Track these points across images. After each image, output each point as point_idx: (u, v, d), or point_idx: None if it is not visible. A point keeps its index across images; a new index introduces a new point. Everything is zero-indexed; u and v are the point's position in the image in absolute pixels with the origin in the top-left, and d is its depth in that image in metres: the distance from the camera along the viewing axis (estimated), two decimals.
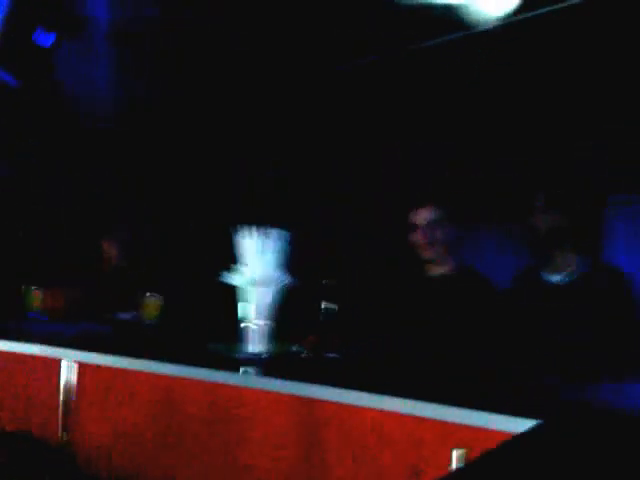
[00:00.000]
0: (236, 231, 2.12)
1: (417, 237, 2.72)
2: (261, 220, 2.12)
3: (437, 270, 2.72)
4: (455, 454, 1.45)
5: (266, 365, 2.05)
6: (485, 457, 1.20)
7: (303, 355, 2.20)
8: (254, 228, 2.10)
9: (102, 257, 3.30)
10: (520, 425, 1.44)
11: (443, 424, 1.61)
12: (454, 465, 1.43)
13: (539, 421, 1.41)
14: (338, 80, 4.17)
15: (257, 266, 2.05)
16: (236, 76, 4.09)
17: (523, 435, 1.36)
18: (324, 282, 2.39)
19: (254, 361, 2.05)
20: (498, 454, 1.22)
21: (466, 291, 2.62)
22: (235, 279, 2.07)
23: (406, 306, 2.71)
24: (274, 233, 2.10)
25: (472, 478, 1.09)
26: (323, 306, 2.30)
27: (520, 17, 3.59)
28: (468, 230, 3.10)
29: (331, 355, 2.20)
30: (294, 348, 2.25)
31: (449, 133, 4.20)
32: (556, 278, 2.60)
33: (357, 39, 3.85)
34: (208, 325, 2.65)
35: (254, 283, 2.03)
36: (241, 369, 2.03)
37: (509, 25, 3.61)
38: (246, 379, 1.97)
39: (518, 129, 4.12)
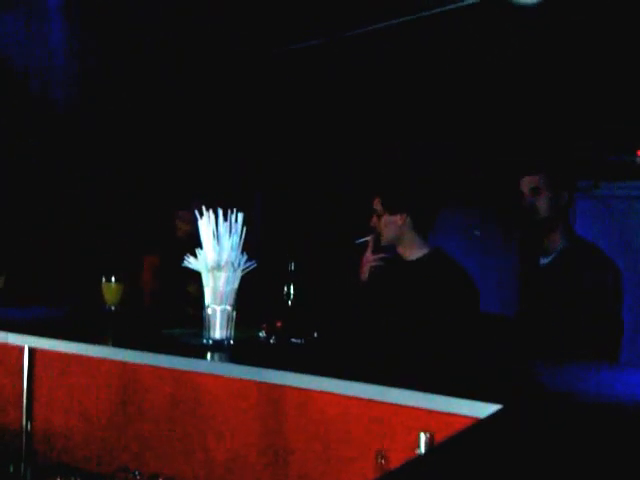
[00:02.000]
0: (197, 214, 2.07)
1: (374, 222, 2.71)
2: (221, 203, 2.07)
3: (407, 255, 2.69)
4: (421, 439, 1.43)
5: (228, 351, 2.02)
6: (449, 442, 1.19)
7: (268, 341, 2.17)
8: (214, 211, 2.04)
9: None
10: (484, 410, 1.44)
11: (409, 409, 1.60)
12: (420, 450, 1.42)
13: (501, 406, 1.40)
14: (292, 61, 4.14)
15: (219, 250, 1.99)
16: (191, 52, 4.01)
17: (486, 420, 1.36)
18: (290, 266, 2.35)
19: (216, 347, 2.01)
20: (461, 439, 1.21)
21: (437, 276, 2.59)
22: (197, 263, 2.02)
23: (376, 291, 2.68)
24: (236, 215, 2.05)
25: (436, 462, 1.09)
26: (288, 291, 2.27)
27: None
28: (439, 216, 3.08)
29: (297, 341, 2.17)
30: (259, 334, 2.21)
31: (417, 117, 4.20)
32: (544, 260, 2.62)
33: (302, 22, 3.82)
34: (170, 310, 2.60)
35: (215, 267, 1.98)
36: (206, 356, 1.99)
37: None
38: (207, 365, 1.93)
39: (496, 116, 4.14)
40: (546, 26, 3.68)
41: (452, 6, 3.78)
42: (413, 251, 2.67)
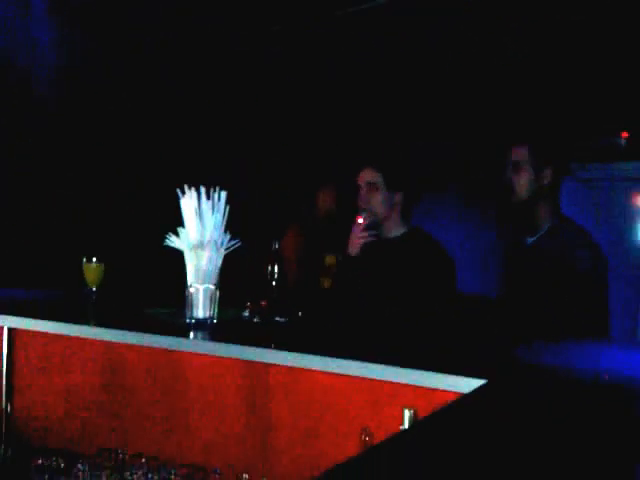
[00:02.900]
0: (180, 192, 2.04)
1: (358, 198, 2.68)
2: (205, 181, 2.04)
3: (387, 233, 2.68)
4: (406, 415, 1.43)
5: (213, 330, 2.00)
6: (433, 417, 1.19)
7: (252, 320, 2.15)
8: (198, 189, 2.02)
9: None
10: (468, 385, 1.44)
11: (393, 385, 1.60)
12: (404, 426, 1.41)
13: (485, 381, 1.40)
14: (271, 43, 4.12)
15: (201, 228, 1.97)
16: (177, 41, 3.98)
17: (469, 395, 1.36)
18: (274, 245, 2.34)
19: (199, 326, 1.99)
20: (445, 414, 1.21)
21: (416, 254, 2.59)
22: (179, 242, 2.00)
23: (360, 267, 2.67)
24: (219, 194, 2.02)
25: (418, 437, 1.09)
26: (272, 270, 2.26)
27: None
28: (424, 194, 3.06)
29: (281, 319, 2.16)
30: (243, 313, 2.20)
31: (402, 90, 4.18)
32: (531, 240, 2.59)
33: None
34: (152, 291, 2.58)
35: (198, 246, 1.95)
36: (189, 334, 1.98)
37: None
38: (190, 344, 1.92)
39: (481, 89, 4.13)
40: (536, 14, 3.67)
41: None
42: (397, 229, 2.67)
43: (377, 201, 2.63)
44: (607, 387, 1.43)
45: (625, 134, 4.52)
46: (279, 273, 2.24)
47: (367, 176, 2.66)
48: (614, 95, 3.97)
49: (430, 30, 3.93)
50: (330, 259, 2.76)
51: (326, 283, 2.73)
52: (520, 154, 2.52)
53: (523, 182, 2.51)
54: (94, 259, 2.41)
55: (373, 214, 2.64)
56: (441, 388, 1.52)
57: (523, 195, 2.52)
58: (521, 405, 1.27)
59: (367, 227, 2.63)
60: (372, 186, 2.63)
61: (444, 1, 3.72)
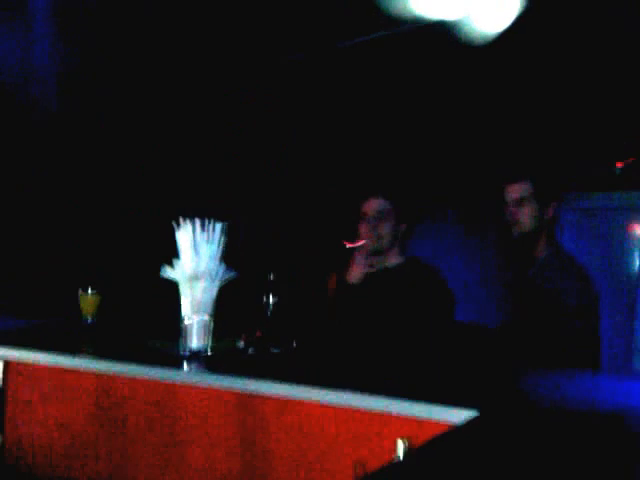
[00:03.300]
0: (175, 224, 2.06)
1: (363, 228, 2.70)
2: (201, 212, 2.06)
3: (385, 262, 2.70)
4: (399, 446, 1.43)
5: (208, 362, 2.00)
6: (424, 447, 1.20)
7: (247, 351, 2.15)
8: (193, 220, 2.04)
9: None
10: (461, 416, 1.44)
11: (386, 416, 1.60)
12: (398, 457, 1.41)
13: (478, 412, 1.41)
14: (269, 72, 4.16)
15: (196, 259, 1.99)
16: (178, 61, 4.02)
17: (461, 426, 1.36)
18: (270, 276, 2.34)
19: (195, 358, 1.99)
20: (436, 445, 1.22)
21: (414, 283, 2.61)
22: (174, 273, 2.01)
23: (353, 299, 2.68)
24: (214, 225, 2.04)
25: (411, 467, 1.09)
26: (267, 301, 2.26)
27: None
28: (423, 224, 3.10)
29: (275, 350, 2.16)
30: (238, 344, 2.20)
31: (403, 124, 4.22)
32: (532, 271, 2.61)
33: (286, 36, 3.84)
34: (148, 321, 2.58)
35: (193, 277, 1.97)
36: (184, 366, 1.98)
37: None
38: (186, 376, 1.92)
39: (478, 124, 4.17)
40: (533, 37, 3.72)
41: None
42: (395, 258, 2.69)
43: (387, 230, 2.66)
44: (599, 418, 1.43)
45: (620, 164, 4.56)
46: (274, 304, 2.25)
47: (377, 206, 2.67)
48: (610, 125, 4.01)
49: (426, 67, 3.99)
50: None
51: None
52: (524, 189, 2.57)
53: (528, 216, 2.55)
54: (90, 290, 2.42)
55: (380, 243, 2.66)
56: (435, 419, 1.51)
57: (527, 229, 2.56)
58: (512, 437, 1.27)
59: (369, 256, 2.65)
60: (382, 215, 2.66)
61: (442, 42, 3.77)
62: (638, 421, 1.41)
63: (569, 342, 2.39)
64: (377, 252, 2.67)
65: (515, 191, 2.58)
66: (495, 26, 3.61)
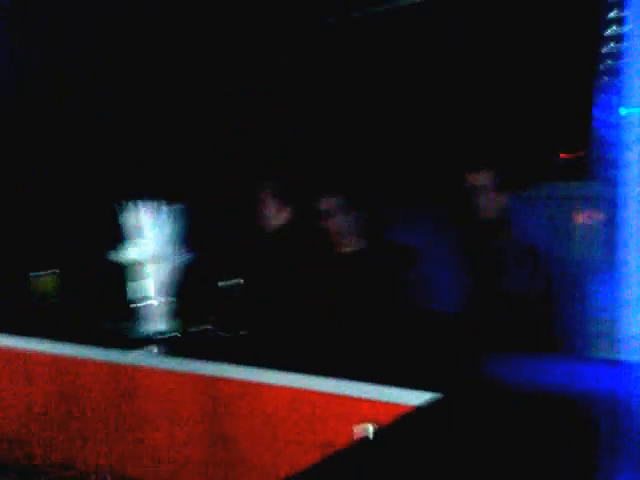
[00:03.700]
0: (130, 207, 2.02)
1: (328, 224, 2.67)
2: (158, 195, 2.03)
3: (346, 249, 2.69)
4: (361, 428, 1.46)
5: (169, 344, 1.98)
6: (386, 429, 1.21)
7: (211, 333, 2.14)
8: (155, 203, 2.01)
9: None
10: (421, 398, 1.47)
11: (349, 399, 1.62)
12: (368, 437, 1.44)
13: (438, 395, 1.43)
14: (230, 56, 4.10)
15: (153, 242, 1.96)
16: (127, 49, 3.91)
17: (421, 408, 1.38)
18: (232, 260, 2.32)
19: (156, 340, 1.97)
20: (398, 427, 1.24)
21: (370, 267, 2.62)
22: (137, 255, 1.98)
23: (315, 283, 2.68)
24: (171, 208, 2.02)
25: (372, 449, 1.11)
26: (228, 283, 2.24)
27: None
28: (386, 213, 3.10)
29: (236, 333, 2.15)
30: (200, 326, 2.18)
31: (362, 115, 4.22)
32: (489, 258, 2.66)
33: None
34: (105, 304, 2.53)
35: (152, 259, 1.94)
36: (144, 348, 1.95)
37: None
38: (147, 359, 1.89)
39: (440, 112, 4.20)
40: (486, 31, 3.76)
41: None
42: (354, 245, 2.68)
43: (342, 225, 2.63)
44: (554, 400, 1.48)
45: (563, 155, 4.69)
46: (240, 287, 2.23)
47: (328, 204, 2.65)
48: (554, 117, 4.11)
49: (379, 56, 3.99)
50: None
51: None
52: (487, 177, 2.63)
53: (491, 204, 2.61)
54: (44, 272, 2.36)
55: (338, 237, 2.64)
56: (396, 402, 1.54)
57: (490, 215, 2.62)
58: (471, 417, 1.30)
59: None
60: (333, 212, 2.63)
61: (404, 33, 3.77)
62: (591, 403, 1.47)
63: (530, 327, 2.46)
64: (345, 244, 2.66)
65: (479, 179, 2.65)
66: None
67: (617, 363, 1.93)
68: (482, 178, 2.64)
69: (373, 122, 4.23)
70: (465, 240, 2.97)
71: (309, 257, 2.71)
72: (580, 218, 4.34)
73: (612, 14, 2.14)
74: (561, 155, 4.86)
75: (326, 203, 2.64)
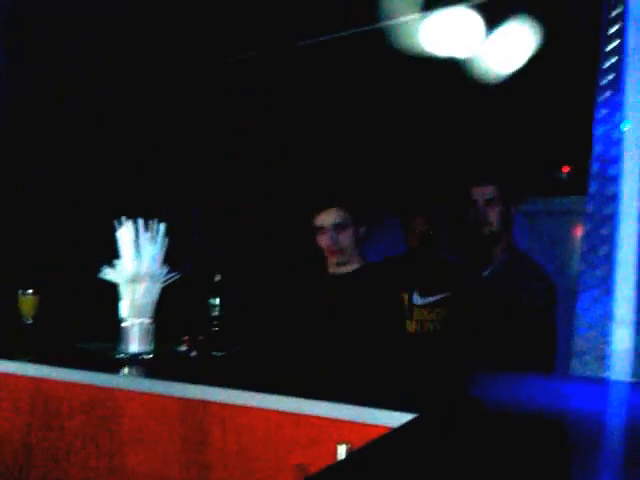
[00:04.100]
0: (116, 223, 2.01)
1: (324, 241, 2.61)
2: (141, 213, 2.02)
3: (341, 269, 2.65)
4: (341, 450, 1.43)
5: (148, 366, 1.95)
6: (362, 450, 1.19)
7: (189, 355, 2.11)
8: (135, 220, 1.99)
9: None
10: (401, 419, 1.43)
11: (328, 421, 1.58)
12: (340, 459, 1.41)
13: (416, 415, 1.41)
14: (221, 72, 4.12)
15: (138, 260, 1.94)
16: (115, 67, 3.94)
17: (399, 429, 1.36)
18: (215, 278, 2.31)
19: (135, 362, 1.94)
20: (375, 447, 1.21)
21: (365, 290, 2.57)
22: (114, 274, 1.96)
23: (306, 305, 2.64)
24: (157, 225, 2.00)
25: (349, 469, 1.08)
26: (212, 303, 2.23)
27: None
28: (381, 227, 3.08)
29: (219, 354, 2.12)
30: (180, 348, 2.15)
31: (354, 131, 4.22)
32: (486, 272, 2.64)
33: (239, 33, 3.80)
34: (87, 324, 2.52)
35: (134, 279, 1.92)
36: (123, 370, 1.93)
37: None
38: (124, 380, 1.87)
39: (432, 127, 4.19)
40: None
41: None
42: (355, 263, 2.63)
43: (348, 241, 2.58)
44: (538, 420, 1.44)
45: (566, 168, 4.66)
46: (219, 306, 2.21)
47: (335, 217, 2.56)
48: (556, 131, 4.09)
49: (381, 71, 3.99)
50: None
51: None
52: (493, 190, 2.63)
53: (496, 216, 2.61)
54: (29, 291, 2.35)
55: (344, 255, 2.58)
56: (375, 423, 1.51)
57: (495, 229, 2.62)
58: (450, 438, 1.27)
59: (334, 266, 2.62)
60: (341, 226, 2.54)
61: (398, 46, 3.78)
62: (578, 424, 1.43)
63: (525, 342, 2.42)
64: (342, 263, 2.61)
65: (486, 192, 2.64)
66: (505, 65, 3.61)
67: (604, 381, 1.88)
68: (490, 190, 2.64)
69: (375, 134, 4.24)
70: (466, 253, 2.95)
71: (301, 277, 2.68)
72: (579, 233, 4.30)
73: (613, 29, 2.13)
74: (563, 169, 4.83)
75: (322, 218, 2.60)
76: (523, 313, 2.49)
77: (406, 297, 2.74)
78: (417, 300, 2.73)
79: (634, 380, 1.83)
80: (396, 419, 1.46)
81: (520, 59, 3.57)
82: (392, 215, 4.09)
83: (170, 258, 2.01)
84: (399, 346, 2.50)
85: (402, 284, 2.75)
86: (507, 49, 3.60)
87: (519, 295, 2.53)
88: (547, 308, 2.54)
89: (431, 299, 2.71)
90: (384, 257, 2.93)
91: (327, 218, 2.56)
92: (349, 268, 2.61)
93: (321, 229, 2.58)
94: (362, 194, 2.82)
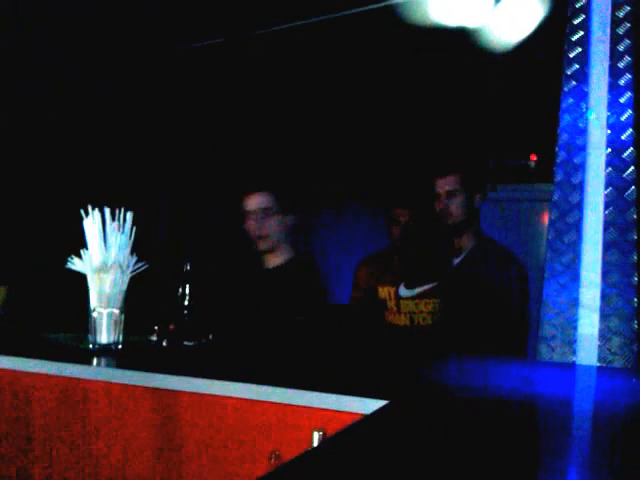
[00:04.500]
0: (83, 213, 1.97)
1: (250, 226, 2.59)
2: (109, 202, 1.98)
3: (272, 261, 2.63)
4: (315, 437, 1.44)
5: (116, 356, 1.94)
6: (337, 437, 1.20)
7: (160, 344, 2.10)
8: (102, 209, 1.96)
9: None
10: (374, 406, 1.45)
11: (301, 408, 1.59)
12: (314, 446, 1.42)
13: (388, 402, 1.42)
14: (179, 61, 4.08)
15: (105, 250, 1.91)
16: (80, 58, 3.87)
17: (372, 415, 1.37)
18: (185, 267, 2.29)
19: (102, 352, 1.92)
20: (349, 433, 1.22)
21: (293, 284, 2.54)
22: (81, 265, 1.93)
23: (245, 297, 2.62)
24: (124, 214, 1.97)
25: (324, 455, 1.09)
26: (182, 292, 2.21)
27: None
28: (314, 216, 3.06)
29: (189, 343, 2.11)
30: (150, 337, 2.14)
31: (293, 118, 4.21)
32: (456, 260, 2.67)
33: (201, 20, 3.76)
34: (56, 315, 2.48)
35: (102, 269, 1.89)
36: (93, 361, 1.90)
37: None
38: (93, 371, 1.84)
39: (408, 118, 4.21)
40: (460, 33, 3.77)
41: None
42: (282, 256, 2.61)
43: (273, 229, 2.55)
44: (506, 405, 1.46)
45: (534, 157, 4.73)
46: (190, 295, 2.20)
47: (260, 202, 2.55)
48: (524, 119, 4.14)
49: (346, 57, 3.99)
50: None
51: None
52: (454, 182, 2.64)
53: (459, 207, 2.62)
54: None
55: (268, 242, 2.56)
56: (349, 410, 1.52)
57: (458, 219, 2.63)
58: (420, 424, 1.29)
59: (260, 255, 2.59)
60: (266, 212, 2.53)
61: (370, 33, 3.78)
62: (546, 408, 1.46)
63: (499, 329, 2.45)
64: (268, 251, 2.58)
65: (446, 184, 2.65)
66: (514, 34, 3.61)
67: (571, 366, 1.92)
68: (451, 182, 2.65)
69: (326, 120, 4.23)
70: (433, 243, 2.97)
71: (232, 269, 2.64)
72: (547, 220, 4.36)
73: (578, 19, 2.16)
74: (532, 157, 4.90)
75: (252, 202, 2.56)
76: (493, 300, 2.52)
77: (392, 290, 2.74)
78: (404, 292, 2.73)
79: (600, 364, 1.87)
80: (369, 406, 1.47)
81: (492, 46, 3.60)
82: (372, 208, 4.11)
83: (138, 247, 1.99)
84: (376, 336, 2.51)
85: (385, 278, 2.76)
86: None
87: (488, 282, 2.56)
88: (518, 293, 2.58)
89: (418, 290, 2.71)
90: (369, 252, 2.94)
91: (253, 202, 2.54)
92: (277, 261, 2.59)
93: (248, 213, 2.57)
94: (291, 181, 2.80)
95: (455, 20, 3.43)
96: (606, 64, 2.03)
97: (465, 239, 2.69)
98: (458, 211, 2.67)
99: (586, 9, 2.13)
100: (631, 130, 2.00)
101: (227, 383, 1.69)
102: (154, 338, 2.11)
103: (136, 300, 1.97)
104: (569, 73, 2.12)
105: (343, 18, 3.58)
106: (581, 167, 2.04)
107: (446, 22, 3.47)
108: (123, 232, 1.92)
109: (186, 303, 2.17)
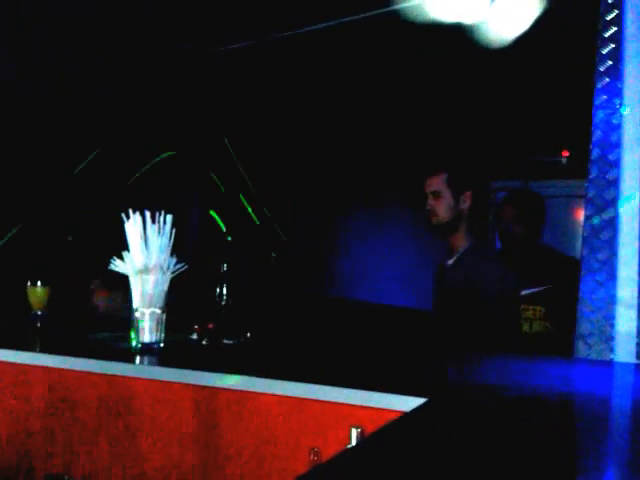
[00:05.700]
0: (124, 216, 2.03)
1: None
2: (150, 204, 2.04)
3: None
4: (353, 434, 1.46)
5: (158, 354, 1.99)
6: (376, 435, 1.22)
7: (200, 343, 2.15)
8: (143, 212, 2.01)
9: None
10: (412, 403, 1.47)
11: (340, 406, 1.62)
12: (352, 444, 1.44)
13: (426, 400, 1.44)
14: (193, 65, 4.13)
15: (146, 252, 1.96)
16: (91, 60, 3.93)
17: (411, 413, 1.39)
18: (222, 267, 2.33)
19: (145, 350, 1.97)
20: (389, 430, 1.24)
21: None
22: (124, 267, 1.98)
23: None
24: (164, 217, 2.02)
25: (363, 453, 1.11)
26: (220, 292, 2.25)
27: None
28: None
29: (229, 342, 2.16)
30: (191, 336, 2.19)
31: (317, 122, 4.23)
32: (449, 261, 2.68)
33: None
34: (98, 315, 2.55)
35: (144, 270, 1.94)
36: (136, 360, 1.96)
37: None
38: (137, 369, 1.90)
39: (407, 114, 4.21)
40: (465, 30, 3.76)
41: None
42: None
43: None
44: (546, 402, 1.47)
45: (566, 153, 4.69)
46: (227, 295, 2.24)
47: None
48: (556, 115, 4.11)
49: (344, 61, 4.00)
50: None
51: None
52: (439, 182, 2.63)
53: (443, 208, 2.62)
54: (39, 283, 2.37)
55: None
56: (387, 407, 1.54)
57: (444, 220, 2.62)
58: (461, 421, 1.30)
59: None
60: None
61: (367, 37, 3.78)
62: (584, 406, 1.46)
63: (487, 329, 2.46)
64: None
65: (431, 184, 2.66)
66: (512, 30, 3.61)
67: (609, 363, 1.92)
68: (435, 182, 2.65)
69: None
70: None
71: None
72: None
73: (611, 15, 2.15)
74: (564, 153, 4.86)
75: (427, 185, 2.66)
76: (481, 301, 2.52)
77: None
78: None
79: (638, 362, 1.87)
80: (408, 403, 1.49)
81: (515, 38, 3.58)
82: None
83: (177, 249, 2.04)
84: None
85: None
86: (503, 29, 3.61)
87: (471, 282, 2.57)
88: (504, 295, 2.57)
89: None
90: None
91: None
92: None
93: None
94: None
95: (493, 18, 3.44)
96: None
97: (458, 240, 2.68)
98: (442, 212, 2.66)
99: (619, 5, 2.12)
100: None
101: (265, 381, 1.72)
102: (195, 337, 2.16)
103: (177, 300, 2.02)
104: (602, 70, 2.11)
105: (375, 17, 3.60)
106: (616, 164, 2.03)
107: (474, 20, 3.47)
108: (163, 234, 1.97)
109: (224, 303, 2.21)
